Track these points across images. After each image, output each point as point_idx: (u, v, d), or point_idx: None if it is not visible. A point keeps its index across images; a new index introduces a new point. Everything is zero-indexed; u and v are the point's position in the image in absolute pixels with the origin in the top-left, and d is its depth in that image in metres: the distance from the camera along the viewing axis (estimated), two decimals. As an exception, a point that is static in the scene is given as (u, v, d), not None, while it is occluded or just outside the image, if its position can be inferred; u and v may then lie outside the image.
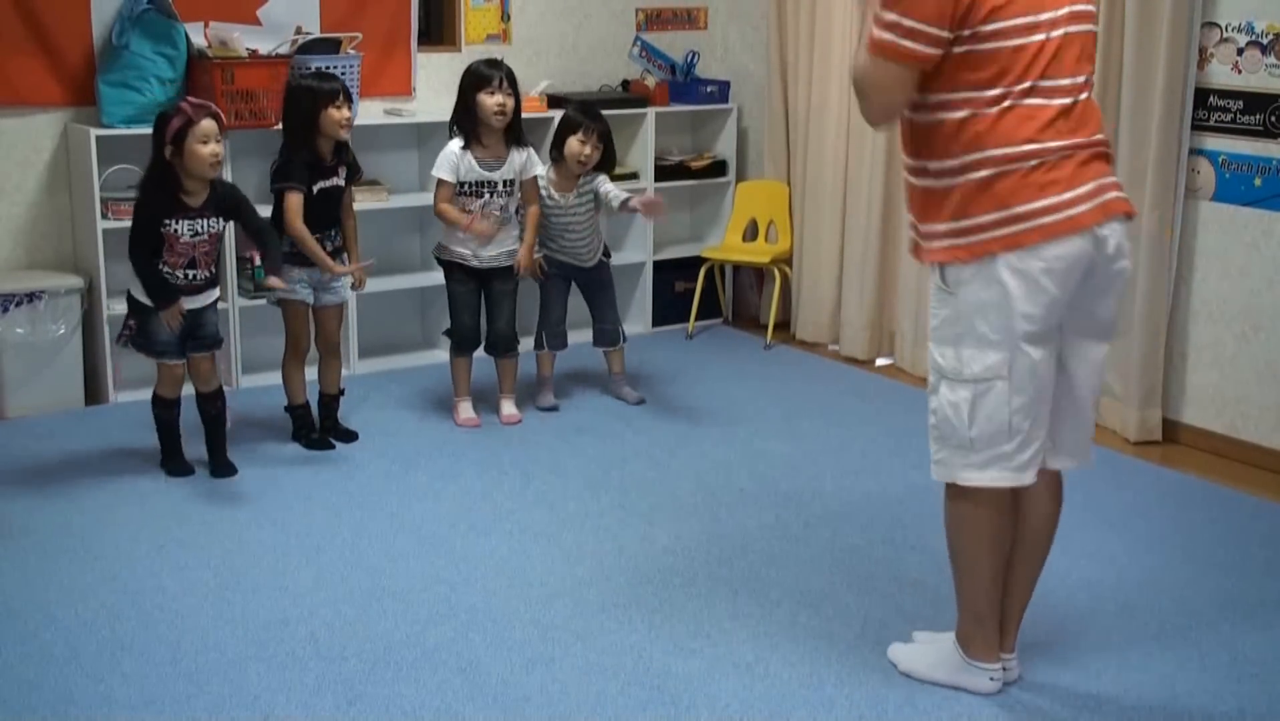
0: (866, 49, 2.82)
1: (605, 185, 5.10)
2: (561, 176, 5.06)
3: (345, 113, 4.54)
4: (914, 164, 2.94)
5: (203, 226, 4.27)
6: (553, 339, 5.23)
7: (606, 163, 5.10)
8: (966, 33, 2.78)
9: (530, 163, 4.93)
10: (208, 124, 4.18)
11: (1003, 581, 3.09)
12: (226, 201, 4.35)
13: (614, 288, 5.34)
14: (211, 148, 4.18)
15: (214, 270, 4.39)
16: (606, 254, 5.29)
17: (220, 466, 4.50)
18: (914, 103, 2.89)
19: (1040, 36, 2.79)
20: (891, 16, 2.76)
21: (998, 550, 3.03)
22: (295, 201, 4.54)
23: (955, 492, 3.03)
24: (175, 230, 4.23)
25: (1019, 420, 2.89)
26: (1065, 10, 2.84)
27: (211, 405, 4.49)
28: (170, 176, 4.20)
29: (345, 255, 4.76)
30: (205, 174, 4.21)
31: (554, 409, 5.19)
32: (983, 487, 2.96)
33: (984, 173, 2.81)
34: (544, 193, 5.03)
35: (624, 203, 5.05)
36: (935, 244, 2.91)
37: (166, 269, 4.26)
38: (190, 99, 4.35)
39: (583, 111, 5.05)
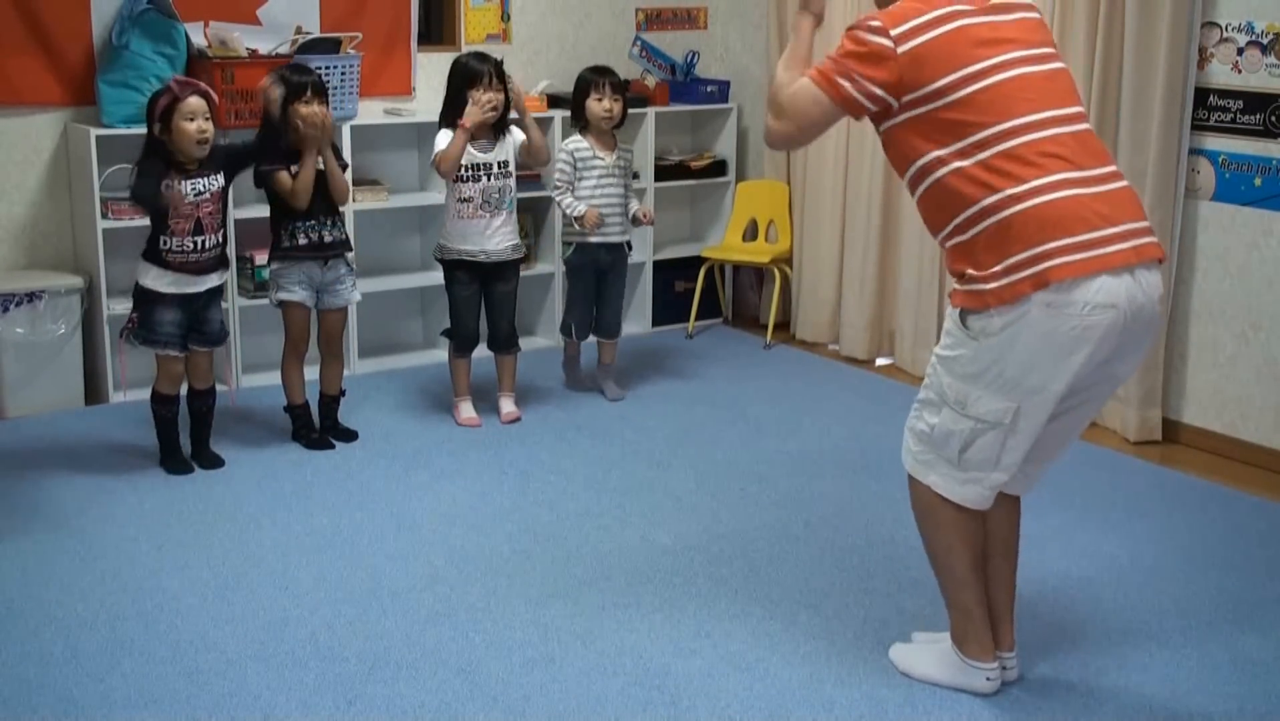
0: (810, 75, 2.93)
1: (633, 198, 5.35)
2: (597, 138, 5.16)
3: (314, 108, 4.54)
4: (938, 235, 2.95)
5: (204, 185, 4.32)
6: (582, 329, 5.34)
7: (623, 118, 5.22)
8: (920, 93, 2.82)
9: (515, 133, 4.99)
10: (194, 101, 4.23)
11: (982, 573, 3.09)
12: (220, 158, 4.40)
13: (625, 285, 5.44)
14: (198, 124, 4.23)
15: (222, 242, 4.41)
16: (630, 247, 5.38)
17: (206, 458, 4.53)
18: (912, 177, 2.92)
19: (996, 77, 2.80)
20: (841, 55, 2.89)
21: (968, 539, 3.03)
22: (281, 181, 4.55)
23: (923, 485, 3.05)
24: (179, 189, 4.26)
25: (1009, 459, 2.93)
26: (1016, 54, 2.84)
27: (203, 401, 4.54)
28: (162, 153, 4.26)
29: (348, 257, 4.76)
30: (193, 151, 4.26)
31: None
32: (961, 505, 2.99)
33: (998, 216, 2.78)
34: (587, 153, 5.13)
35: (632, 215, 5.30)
36: (965, 287, 2.86)
37: (175, 240, 4.29)
38: (179, 77, 4.39)
39: (592, 71, 5.18)
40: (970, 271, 2.84)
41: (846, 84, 2.87)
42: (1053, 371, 2.79)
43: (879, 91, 2.86)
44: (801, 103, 2.94)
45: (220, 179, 4.38)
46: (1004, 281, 2.78)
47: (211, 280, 4.41)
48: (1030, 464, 3.04)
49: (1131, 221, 2.82)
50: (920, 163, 2.89)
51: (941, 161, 2.84)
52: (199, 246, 4.33)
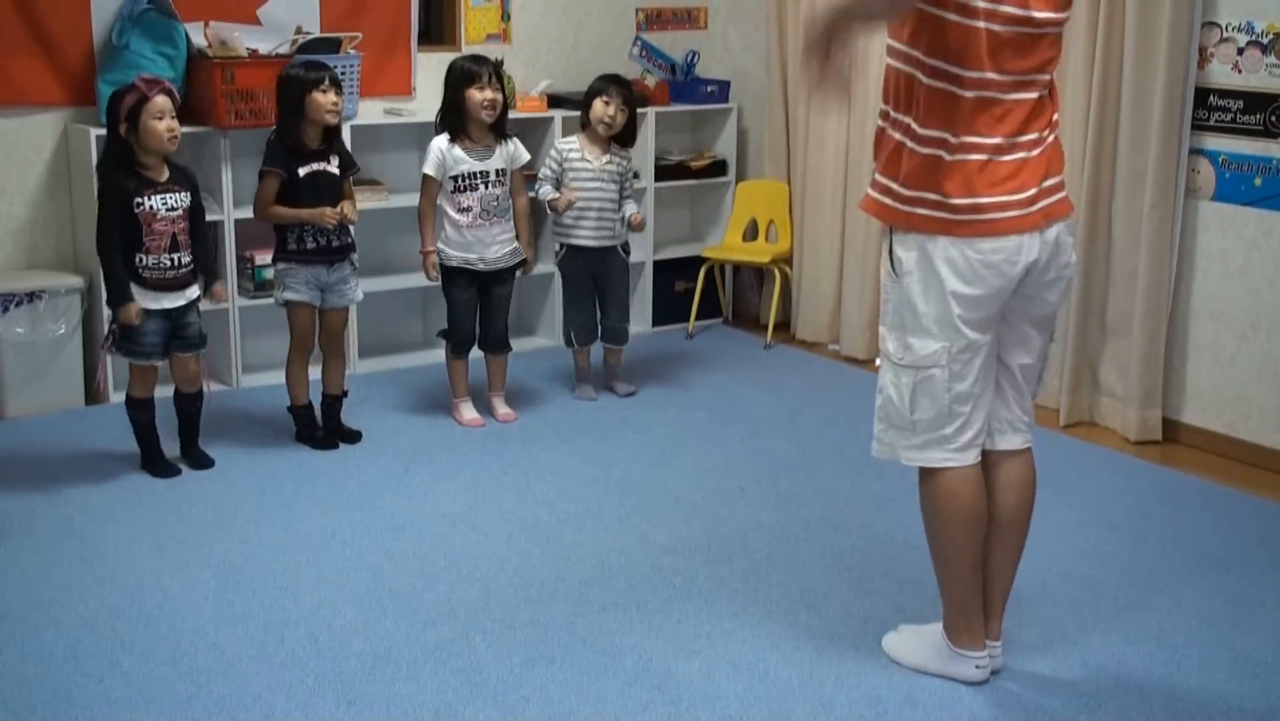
0: None
1: (630, 200, 5.31)
2: (592, 141, 5.18)
3: (332, 97, 4.55)
4: (889, 111, 2.98)
5: (176, 200, 4.30)
6: (581, 335, 5.33)
7: (627, 134, 5.22)
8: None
9: (518, 153, 4.98)
10: (161, 100, 4.21)
11: (981, 567, 3.12)
12: (189, 178, 4.40)
13: (627, 287, 5.44)
14: (167, 123, 4.21)
15: (194, 260, 4.39)
16: (626, 251, 5.36)
17: (195, 458, 4.53)
18: (905, 55, 2.91)
19: (1009, 29, 2.81)
20: None
21: (971, 537, 3.07)
22: (267, 187, 4.58)
23: (923, 478, 3.09)
24: (151, 208, 4.24)
25: (958, 405, 2.98)
26: (1045, 14, 2.85)
27: (191, 404, 4.53)
28: (127, 154, 4.23)
29: (353, 258, 4.76)
30: (163, 149, 4.24)
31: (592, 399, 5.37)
32: (948, 469, 3.03)
33: (933, 152, 2.87)
34: (575, 155, 5.14)
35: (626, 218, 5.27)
36: (876, 193, 3.00)
37: (151, 259, 4.27)
38: (144, 76, 4.36)
39: (608, 79, 5.19)
40: (884, 180, 2.96)
41: None
42: (964, 300, 2.90)
43: None
44: None
45: (188, 197, 4.35)
46: (912, 210, 2.91)
47: (190, 293, 4.39)
48: (1006, 407, 3.10)
49: (1046, 179, 2.91)
50: (926, 60, 2.87)
51: (934, 72, 2.86)
52: (175, 263, 4.30)
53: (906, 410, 3.02)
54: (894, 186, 2.95)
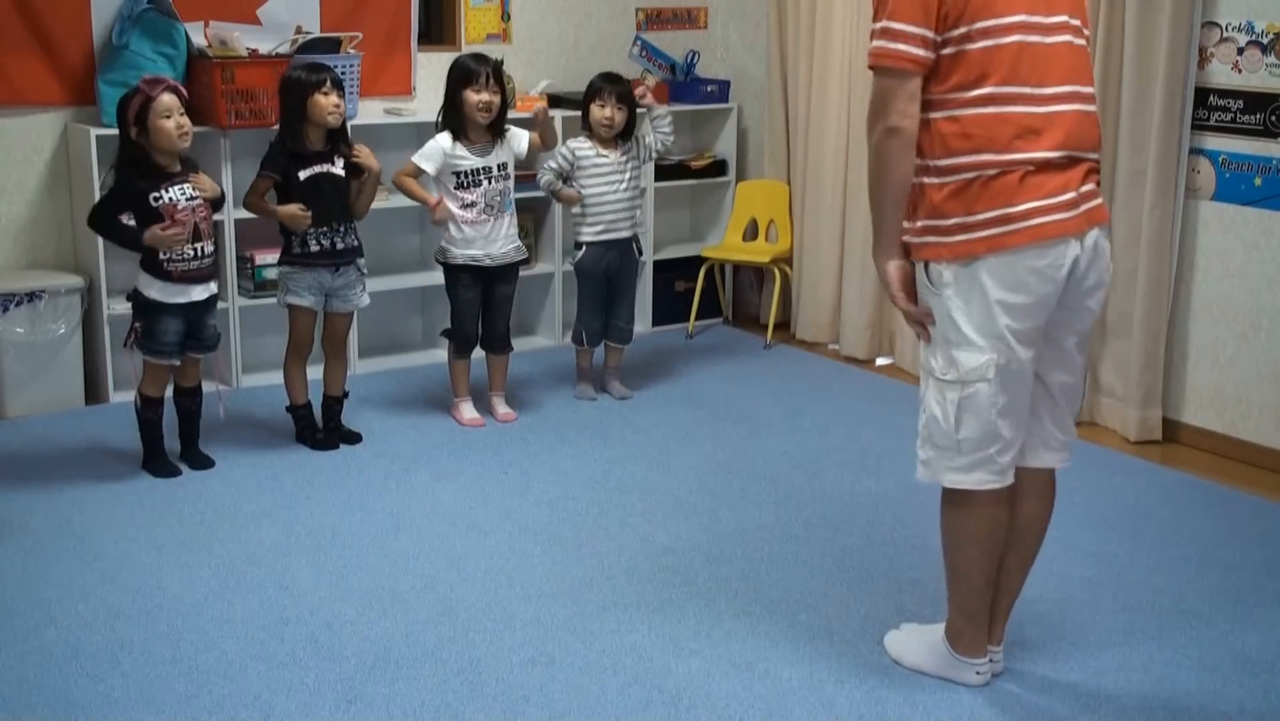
0: (870, 65, 2.88)
1: (647, 137, 5.33)
2: (601, 141, 5.21)
3: (333, 99, 4.55)
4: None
5: (194, 190, 4.32)
6: (594, 336, 5.37)
7: (627, 130, 5.24)
8: (956, 33, 2.81)
9: (518, 142, 5.00)
10: (167, 98, 4.21)
11: (995, 583, 3.11)
12: (194, 166, 4.42)
13: (635, 288, 5.47)
14: (175, 120, 4.22)
15: (215, 250, 4.42)
16: (640, 249, 5.39)
17: (196, 459, 4.54)
18: (929, 102, 2.91)
19: (1023, 39, 2.80)
20: (879, 25, 2.84)
21: (991, 553, 3.06)
22: (256, 187, 4.60)
23: (950, 497, 3.05)
24: (171, 199, 4.25)
25: (1002, 423, 2.93)
26: (1054, 19, 2.85)
27: (190, 400, 4.54)
28: (140, 156, 4.24)
29: (359, 262, 4.75)
30: (174, 147, 4.25)
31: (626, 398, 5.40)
32: (977, 490, 2.98)
33: (970, 175, 2.84)
34: (589, 152, 5.18)
35: (657, 132, 5.31)
36: (915, 239, 2.95)
37: (175, 250, 4.27)
38: (147, 76, 4.37)
39: (601, 78, 5.21)
40: (926, 221, 2.91)
41: (903, 47, 2.80)
42: (1011, 310, 2.85)
43: (931, 34, 2.80)
44: (885, 95, 2.87)
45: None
46: (957, 238, 2.86)
47: (212, 287, 4.41)
48: (1040, 424, 3.05)
49: (1083, 185, 2.88)
50: (924, 97, 2.87)
51: (940, 104, 2.85)
52: (199, 253, 4.32)
53: (952, 428, 2.94)
54: (925, 224, 2.90)
